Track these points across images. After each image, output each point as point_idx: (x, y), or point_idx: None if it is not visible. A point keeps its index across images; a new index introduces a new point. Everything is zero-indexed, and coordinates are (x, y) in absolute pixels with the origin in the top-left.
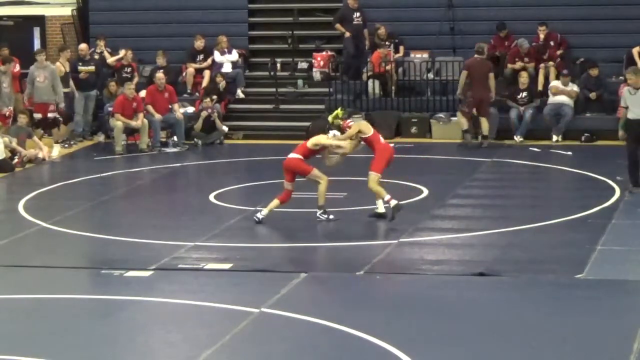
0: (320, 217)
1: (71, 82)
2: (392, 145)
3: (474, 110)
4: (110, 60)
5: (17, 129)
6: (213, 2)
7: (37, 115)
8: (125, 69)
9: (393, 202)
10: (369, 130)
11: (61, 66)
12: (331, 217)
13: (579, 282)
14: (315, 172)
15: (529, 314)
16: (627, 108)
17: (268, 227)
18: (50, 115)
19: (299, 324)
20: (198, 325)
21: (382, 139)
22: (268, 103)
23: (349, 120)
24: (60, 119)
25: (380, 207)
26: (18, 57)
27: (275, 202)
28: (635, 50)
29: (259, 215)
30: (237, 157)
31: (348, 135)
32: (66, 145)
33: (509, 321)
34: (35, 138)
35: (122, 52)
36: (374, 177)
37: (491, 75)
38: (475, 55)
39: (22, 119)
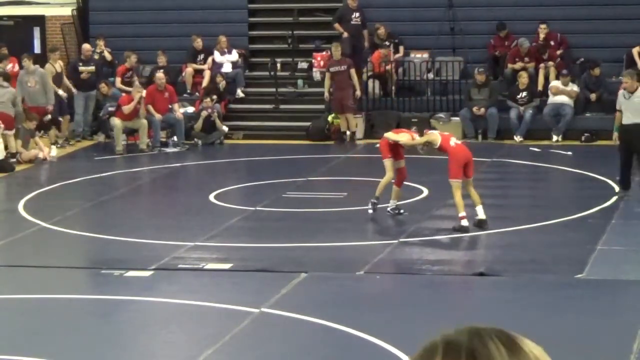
0: (371, 205)
1: (66, 81)
2: (465, 145)
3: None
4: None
5: (23, 131)
6: (213, 2)
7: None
8: (128, 72)
9: (464, 223)
10: (437, 140)
11: (51, 67)
12: (370, 211)
13: (579, 282)
14: (387, 162)
15: (529, 314)
16: (621, 111)
17: (268, 227)
18: (45, 117)
19: (299, 324)
20: (198, 325)
21: (453, 142)
22: (268, 103)
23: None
24: (60, 119)
25: (481, 214)
26: (18, 57)
27: (395, 189)
28: (635, 50)
29: (389, 209)
30: (237, 157)
31: (415, 142)
32: (59, 145)
33: (509, 321)
34: (37, 138)
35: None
36: (454, 183)
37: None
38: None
39: (31, 125)
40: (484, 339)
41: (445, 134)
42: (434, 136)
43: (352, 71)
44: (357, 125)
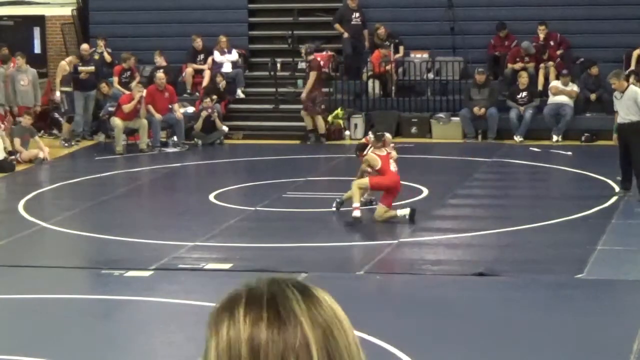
0: (334, 206)
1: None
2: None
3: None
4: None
5: (21, 129)
6: (213, 2)
7: (20, 119)
8: (125, 72)
9: (357, 214)
10: (376, 163)
11: (66, 65)
12: (333, 208)
13: (579, 282)
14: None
15: (529, 314)
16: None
17: (268, 227)
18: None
19: None
20: (198, 325)
21: (393, 167)
22: (268, 103)
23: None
24: (61, 119)
25: (403, 211)
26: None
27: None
28: (635, 53)
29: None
30: (237, 157)
31: (361, 170)
32: (65, 145)
33: (509, 321)
34: (37, 138)
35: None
36: (381, 210)
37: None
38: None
39: (26, 120)
40: (281, 286)
41: (384, 155)
42: (374, 160)
43: (311, 73)
44: (312, 124)
